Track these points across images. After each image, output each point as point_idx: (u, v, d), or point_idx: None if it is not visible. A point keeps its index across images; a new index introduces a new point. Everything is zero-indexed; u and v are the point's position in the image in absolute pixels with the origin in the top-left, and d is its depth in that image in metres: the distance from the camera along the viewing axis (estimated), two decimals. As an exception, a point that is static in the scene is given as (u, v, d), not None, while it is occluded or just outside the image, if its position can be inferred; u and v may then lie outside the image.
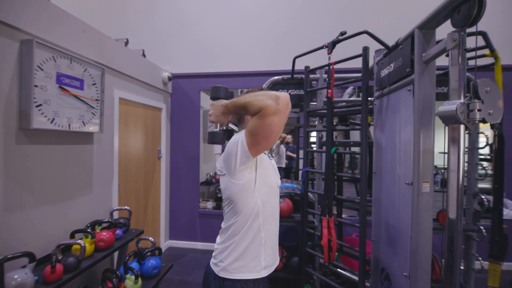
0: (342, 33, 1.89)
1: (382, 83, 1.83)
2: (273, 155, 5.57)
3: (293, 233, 2.82)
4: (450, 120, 1.10)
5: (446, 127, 1.17)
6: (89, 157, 2.04)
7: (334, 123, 2.68)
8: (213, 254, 1.08)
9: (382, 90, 1.84)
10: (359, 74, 2.32)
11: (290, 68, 2.93)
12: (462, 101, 1.07)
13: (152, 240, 2.17)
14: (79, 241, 1.60)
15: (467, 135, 2.24)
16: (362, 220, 1.84)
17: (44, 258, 1.59)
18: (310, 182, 2.68)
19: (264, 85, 2.46)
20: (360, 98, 2.11)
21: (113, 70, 2.28)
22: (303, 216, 2.24)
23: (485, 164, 2.17)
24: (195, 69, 3.31)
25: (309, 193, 2.34)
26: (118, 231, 2.00)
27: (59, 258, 1.52)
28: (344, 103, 2.53)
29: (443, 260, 1.21)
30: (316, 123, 2.53)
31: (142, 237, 2.19)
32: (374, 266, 1.90)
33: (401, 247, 1.54)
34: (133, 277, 1.82)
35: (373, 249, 1.92)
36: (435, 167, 2.11)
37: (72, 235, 1.74)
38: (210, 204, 3.34)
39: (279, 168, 5.19)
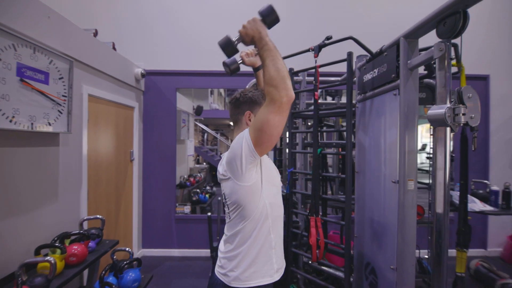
0: (328, 38, 1.95)
1: (364, 87, 1.93)
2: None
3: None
4: (438, 122, 1.20)
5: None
6: (54, 161, 1.80)
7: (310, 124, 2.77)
8: (219, 263, 1.02)
9: (364, 94, 1.94)
10: (338, 78, 2.44)
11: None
12: (449, 105, 1.17)
13: (129, 250, 1.99)
14: (48, 257, 1.39)
15: (430, 137, 2.50)
16: (347, 218, 1.92)
17: (4, 280, 1.35)
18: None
19: (247, 86, 2.42)
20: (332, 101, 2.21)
21: (82, 64, 2.05)
22: (288, 216, 2.26)
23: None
24: (171, 66, 3.14)
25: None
26: (91, 243, 1.80)
27: (24, 279, 1.30)
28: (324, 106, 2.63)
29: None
30: (299, 124, 2.58)
31: (118, 248, 2.00)
32: (358, 261, 1.99)
33: (387, 241, 1.64)
34: (111, 293, 1.64)
35: (357, 245, 2.01)
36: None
37: (37, 251, 1.50)
38: (187, 208, 3.20)
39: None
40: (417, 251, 1.77)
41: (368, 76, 1.88)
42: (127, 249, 2.00)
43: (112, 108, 2.53)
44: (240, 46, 1.04)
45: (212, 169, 6.94)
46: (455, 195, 2.37)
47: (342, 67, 2.29)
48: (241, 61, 1.21)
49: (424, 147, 5.71)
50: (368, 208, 1.88)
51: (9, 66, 1.39)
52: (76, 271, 1.55)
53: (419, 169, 1.58)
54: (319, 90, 3.98)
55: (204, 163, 6.88)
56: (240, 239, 0.95)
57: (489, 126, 3.08)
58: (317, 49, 2.01)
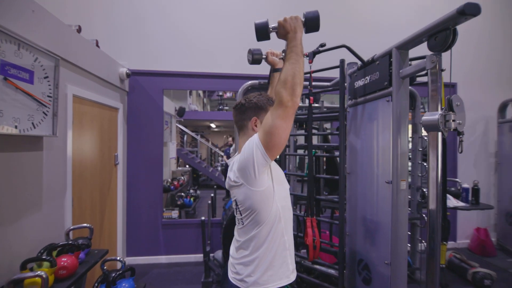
0: (322, 45, 2.02)
1: (356, 93, 2.04)
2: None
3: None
4: (431, 128, 1.31)
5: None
6: (38, 166, 1.66)
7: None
8: (233, 270, 1.02)
9: (356, 99, 2.05)
10: (327, 83, 2.55)
11: (264, 73, 2.98)
12: (441, 112, 1.29)
13: (121, 259, 1.90)
14: (39, 272, 1.29)
15: (410, 139, 2.70)
16: (341, 217, 2.00)
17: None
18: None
19: (240, 89, 2.43)
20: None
21: (67, 62, 1.91)
22: (282, 218, 2.30)
23: (425, 163, 2.65)
24: (158, 67, 3.04)
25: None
26: (81, 254, 1.69)
27: (13, 298, 1.19)
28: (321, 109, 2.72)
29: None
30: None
31: (108, 257, 1.90)
32: (350, 259, 2.09)
33: (380, 238, 1.75)
34: (106, 306, 1.55)
35: (349, 243, 2.11)
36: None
37: (23, 266, 1.38)
38: (175, 213, 3.11)
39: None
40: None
41: (359, 83, 1.99)
42: (118, 258, 1.91)
43: (97, 109, 2.39)
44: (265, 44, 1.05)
45: (194, 171, 6.80)
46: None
47: (330, 73, 2.40)
48: (265, 56, 1.27)
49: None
50: (360, 207, 1.99)
51: (-7, 64, 1.27)
52: (67, 285, 1.45)
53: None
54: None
55: (187, 166, 6.70)
56: (256, 244, 0.96)
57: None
58: (312, 56, 2.08)
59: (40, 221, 1.65)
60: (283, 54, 1.03)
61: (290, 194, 2.42)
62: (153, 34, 3.09)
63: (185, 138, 8.55)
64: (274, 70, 1.38)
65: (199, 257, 3.07)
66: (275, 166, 1.05)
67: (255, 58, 1.23)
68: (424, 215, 2.50)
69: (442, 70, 1.34)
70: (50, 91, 1.68)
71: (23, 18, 1.50)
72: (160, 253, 3.04)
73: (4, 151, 1.41)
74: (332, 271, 2.20)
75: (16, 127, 1.41)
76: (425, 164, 2.65)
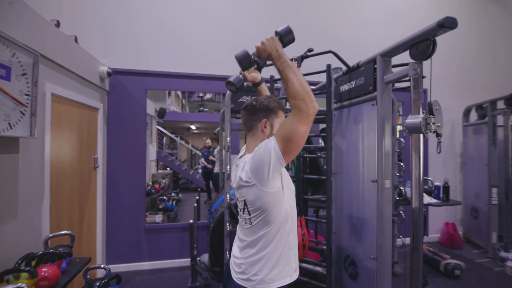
0: (310, 50, 2.09)
1: (341, 96, 2.14)
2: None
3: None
4: (414, 130, 1.42)
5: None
6: (13, 170, 1.54)
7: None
8: (238, 270, 1.02)
9: (341, 103, 2.15)
10: (313, 87, 2.64)
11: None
12: (422, 116, 1.40)
13: (106, 267, 1.81)
14: (20, 284, 1.19)
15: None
16: (328, 216, 2.08)
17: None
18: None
19: (228, 92, 2.43)
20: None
21: (45, 59, 1.80)
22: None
23: (401, 163, 2.83)
24: (141, 66, 2.94)
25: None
26: (63, 263, 1.58)
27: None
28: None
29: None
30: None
31: (92, 266, 1.80)
32: (337, 255, 2.17)
33: (366, 234, 1.84)
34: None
35: (335, 240, 2.19)
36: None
37: (0, 278, 1.27)
38: (159, 217, 3.01)
39: (218, 173, 5.17)
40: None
41: (345, 87, 2.09)
42: (103, 265, 1.82)
43: (76, 109, 2.26)
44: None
45: (175, 174, 6.62)
46: (408, 191, 2.77)
47: (316, 78, 2.50)
48: (242, 77, 1.23)
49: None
50: (346, 205, 2.08)
51: (-33, 58, 1.16)
52: (49, 297, 1.35)
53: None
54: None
55: (168, 168, 6.51)
56: (264, 243, 0.97)
57: (426, 131, 3.68)
58: (300, 60, 2.15)
59: (16, 229, 1.53)
60: (255, 66, 1.06)
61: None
62: (137, 31, 2.99)
63: (164, 140, 8.31)
64: (256, 85, 1.40)
65: (183, 261, 3.00)
66: (283, 170, 1.07)
67: (238, 86, 1.18)
68: (401, 212, 2.67)
69: (423, 77, 1.46)
70: (28, 89, 1.56)
71: (0, 10, 1.39)
72: (143, 259, 2.92)
73: (-23, 154, 1.29)
74: (319, 269, 2.27)
75: (-8, 127, 1.30)
76: (401, 164, 2.84)
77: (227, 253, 2.27)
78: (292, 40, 1.06)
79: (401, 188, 2.75)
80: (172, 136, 8.48)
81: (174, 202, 4.26)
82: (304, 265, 2.36)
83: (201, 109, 9.44)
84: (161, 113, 5.20)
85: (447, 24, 1.26)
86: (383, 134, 1.69)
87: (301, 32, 3.38)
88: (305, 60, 2.19)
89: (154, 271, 2.86)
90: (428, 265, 2.89)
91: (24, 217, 1.60)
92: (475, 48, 4.02)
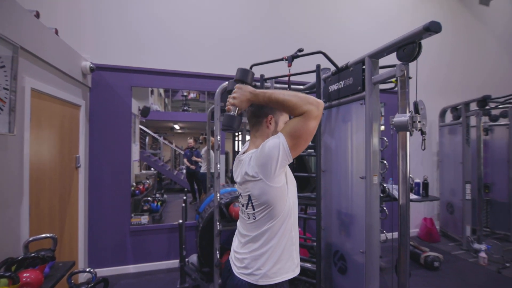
0: (300, 50, 2.13)
1: (330, 96, 2.20)
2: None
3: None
4: (401, 128, 1.49)
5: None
6: (-10, 169, 1.43)
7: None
8: (240, 265, 1.02)
9: (330, 102, 2.20)
10: (301, 86, 2.68)
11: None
12: (409, 115, 1.48)
13: (92, 271, 1.73)
14: (1, 291, 1.12)
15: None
16: (318, 213, 2.13)
17: None
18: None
19: (218, 89, 2.41)
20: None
21: (25, 51, 1.69)
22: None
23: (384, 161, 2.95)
24: (126, 62, 2.84)
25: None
26: (46, 268, 1.50)
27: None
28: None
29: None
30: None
31: (76, 270, 1.72)
32: (326, 251, 2.22)
33: (355, 229, 1.90)
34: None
35: (324, 236, 2.24)
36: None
37: (-24, 286, 1.18)
38: (144, 219, 2.92)
39: (204, 173, 5.11)
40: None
41: (334, 87, 2.15)
42: (87, 269, 1.74)
43: (58, 105, 2.15)
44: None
45: (158, 174, 6.46)
46: (391, 187, 2.89)
47: (304, 78, 2.55)
48: (236, 111, 1.03)
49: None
50: (335, 202, 2.13)
51: None
52: (32, 304, 1.27)
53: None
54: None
55: (152, 169, 6.33)
56: (267, 237, 0.98)
57: (406, 131, 3.87)
58: (290, 59, 2.18)
59: (-8, 233, 1.43)
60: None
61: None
62: (121, 26, 2.88)
63: (146, 140, 8.06)
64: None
65: (171, 263, 2.94)
66: (287, 168, 1.08)
67: (236, 125, 1.03)
68: (385, 208, 2.79)
69: (410, 78, 1.54)
70: (6, 83, 1.47)
71: (-24, -3, 1.30)
72: (128, 262, 2.82)
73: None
74: (308, 265, 2.31)
75: (-34, 123, 1.20)
76: (385, 162, 2.96)
77: (217, 252, 2.25)
78: (252, 75, 1.05)
79: (384, 185, 2.87)
80: (155, 135, 8.26)
81: (159, 203, 4.16)
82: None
83: (185, 108, 9.27)
84: (145, 111, 5.05)
85: (433, 27, 1.34)
86: (371, 133, 1.76)
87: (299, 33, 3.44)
88: (296, 62, 2.23)
89: (140, 274, 2.77)
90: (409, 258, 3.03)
91: (1, 220, 1.49)
92: (450, 53, 4.28)
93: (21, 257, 1.40)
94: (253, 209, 1.00)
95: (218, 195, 2.29)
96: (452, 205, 3.68)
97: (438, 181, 4.00)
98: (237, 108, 1.00)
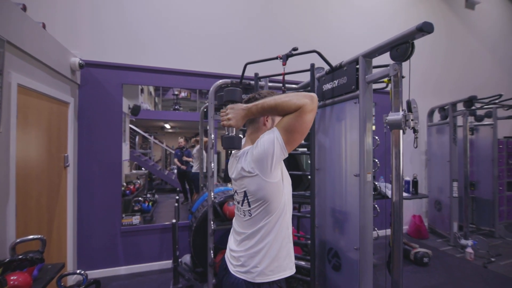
0: (294, 49, 2.14)
1: (324, 95, 2.22)
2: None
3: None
4: (395, 126, 1.52)
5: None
6: (-26, 168, 1.37)
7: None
8: (237, 263, 1.01)
9: (324, 101, 2.22)
10: (295, 85, 2.70)
11: (235, 73, 3.00)
12: (402, 113, 1.51)
13: (82, 273, 1.68)
14: (-12, 294, 1.07)
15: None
16: (312, 211, 2.14)
17: None
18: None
19: (212, 88, 2.40)
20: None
21: (12, 46, 1.63)
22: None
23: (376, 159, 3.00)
24: (117, 59, 2.78)
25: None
26: (34, 271, 1.45)
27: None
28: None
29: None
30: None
31: (66, 272, 1.67)
32: (320, 249, 2.24)
33: (349, 227, 1.92)
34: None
35: (318, 234, 2.26)
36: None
37: (-40, 290, 1.12)
38: (136, 219, 2.86)
39: (196, 173, 5.06)
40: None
41: (327, 86, 2.17)
42: (78, 271, 1.69)
43: (45, 102, 2.07)
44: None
45: (150, 174, 6.35)
46: (382, 185, 2.95)
47: (298, 77, 2.56)
48: (233, 131, 1.02)
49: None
50: (329, 200, 2.15)
51: None
52: (20, 307, 1.23)
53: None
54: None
55: (143, 169, 6.22)
56: (263, 234, 0.98)
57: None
58: (285, 58, 2.18)
59: (-23, 234, 1.36)
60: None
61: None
62: (113, 22, 2.81)
63: (136, 139, 7.91)
64: None
65: (163, 264, 2.89)
66: (283, 164, 1.08)
67: (237, 144, 1.03)
68: (376, 206, 2.84)
69: (403, 77, 1.57)
70: (-8, 78, 1.41)
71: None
72: (119, 264, 2.76)
73: None
74: (302, 263, 2.33)
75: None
76: (376, 160, 3.01)
77: (211, 252, 2.23)
78: (240, 92, 1.05)
79: (375, 183, 2.92)
80: (146, 135, 8.12)
81: (150, 204, 4.09)
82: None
83: (176, 107, 9.15)
84: (135, 110, 4.94)
85: (425, 28, 1.37)
86: (365, 131, 1.78)
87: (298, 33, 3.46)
88: (287, 61, 2.23)
89: (132, 275, 2.71)
90: (399, 254, 3.10)
91: (-14, 221, 1.43)
92: (436, 56, 4.40)
93: (8, 259, 1.34)
94: (249, 206, 1.00)
95: (212, 194, 2.27)
96: (440, 202, 3.79)
97: (427, 179, 4.11)
98: (234, 128, 1.01)
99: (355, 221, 1.85)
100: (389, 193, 2.88)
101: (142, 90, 7.84)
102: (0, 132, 1.45)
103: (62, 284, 1.61)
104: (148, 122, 8.76)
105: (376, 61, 1.80)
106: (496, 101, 3.62)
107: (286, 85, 2.61)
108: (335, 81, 2.06)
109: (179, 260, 2.64)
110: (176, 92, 9.32)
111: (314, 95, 0.92)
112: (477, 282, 2.57)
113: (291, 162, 3.04)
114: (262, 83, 2.62)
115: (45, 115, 2.08)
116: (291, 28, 3.52)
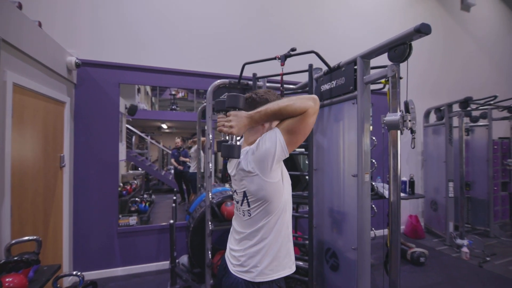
0: (293, 49, 2.14)
1: (322, 96, 2.22)
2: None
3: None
4: (393, 126, 1.53)
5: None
6: (-32, 168, 1.35)
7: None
8: (236, 262, 1.01)
9: (322, 102, 2.22)
10: (293, 86, 2.70)
11: (233, 73, 2.99)
12: (400, 114, 1.52)
13: (79, 274, 1.67)
14: (-18, 297, 1.05)
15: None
16: (310, 211, 2.14)
17: None
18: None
19: (210, 88, 2.39)
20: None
21: (7, 44, 1.61)
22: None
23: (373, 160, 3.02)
24: (114, 58, 2.76)
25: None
26: (30, 272, 1.43)
27: None
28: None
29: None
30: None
31: (62, 273, 1.65)
32: (318, 249, 2.24)
33: (347, 227, 1.93)
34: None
35: (316, 234, 2.26)
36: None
37: (-46, 293, 1.10)
38: (133, 220, 2.84)
39: (194, 173, 5.05)
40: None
41: (326, 87, 2.17)
42: (74, 272, 1.67)
43: (41, 102, 2.05)
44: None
45: (146, 175, 6.31)
46: (380, 186, 2.96)
47: (296, 78, 2.56)
48: (234, 140, 1.01)
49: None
50: (327, 200, 2.16)
51: None
52: (15, 310, 1.21)
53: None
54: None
55: (140, 169, 6.18)
56: (263, 234, 0.97)
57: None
58: (283, 58, 2.19)
59: (-29, 236, 1.34)
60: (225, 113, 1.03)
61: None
62: (110, 21, 2.79)
63: (133, 139, 7.86)
64: None
65: (161, 264, 2.88)
66: (283, 164, 1.08)
67: (237, 153, 0.97)
68: (373, 206, 2.85)
69: (400, 78, 1.58)
70: (-13, 77, 1.39)
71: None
72: (116, 265, 2.74)
73: None
74: (300, 263, 2.33)
75: None
76: (373, 161, 3.03)
77: (209, 252, 2.22)
78: (243, 99, 1.02)
79: (373, 183, 2.94)
80: (142, 135, 8.07)
81: (147, 204, 4.06)
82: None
83: (173, 107, 9.11)
84: (132, 110, 4.91)
85: (423, 29, 1.38)
86: (363, 131, 1.79)
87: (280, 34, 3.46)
88: (288, 61, 2.24)
89: (129, 276, 2.69)
90: (396, 254, 3.12)
91: (-20, 222, 1.41)
92: (434, 57, 4.45)
93: (3, 261, 1.32)
94: (248, 206, 1.00)
95: (209, 194, 2.27)
96: (436, 202, 3.83)
97: (423, 179, 4.14)
98: (234, 136, 0.99)
99: (352, 221, 1.85)
100: (386, 193, 2.90)
101: (139, 90, 7.79)
102: (-5, 132, 1.43)
103: (58, 285, 1.59)
104: (145, 122, 8.71)
105: (374, 62, 1.82)
106: (491, 102, 3.66)
107: (285, 86, 2.61)
108: (333, 82, 2.07)
109: (177, 261, 2.63)
110: (174, 92, 9.30)
111: (316, 97, 0.92)
112: (473, 281, 2.60)
113: (289, 163, 3.05)
114: (260, 83, 2.62)
115: (41, 114, 2.06)
116: (290, 28, 3.53)
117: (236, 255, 1.02)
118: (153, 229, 2.89)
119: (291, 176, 1.14)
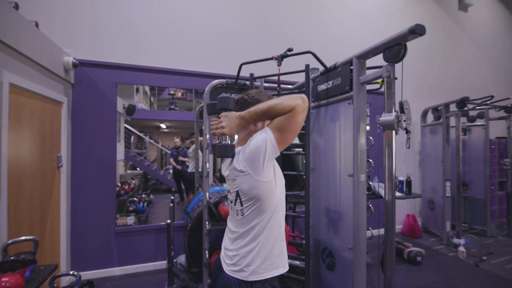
0: (290, 50, 2.15)
1: (319, 96, 2.23)
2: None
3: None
4: (388, 127, 1.54)
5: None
6: (-36, 169, 1.35)
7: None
8: (230, 262, 1.02)
9: (319, 102, 2.23)
10: (290, 86, 2.71)
11: (230, 73, 3.00)
12: (395, 114, 1.53)
13: (76, 274, 1.67)
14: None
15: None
16: (307, 211, 2.15)
17: None
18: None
19: (207, 87, 2.39)
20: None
21: (4, 44, 1.61)
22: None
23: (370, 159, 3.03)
24: (112, 58, 2.76)
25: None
26: (26, 272, 1.43)
27: None
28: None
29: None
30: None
31: (59, 273, 1.65)
32: (314, 248, 2.25)
33: (343, 226, 1.94)
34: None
35: (313, 234, 2.27)
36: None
37: (-50, 293, 1.11)
38: (130, 220, 2.85)
39: (192, 173, 5.05)
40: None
41: (322, 87, 2.18)
42: (71, 272, 1.68)
43: (38, 102, 2.05)
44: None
45: (145, 175, 6.31)
46: (376, 185, 2.98)
47: (293, 78, 2.57)
48: (227, 140, 1.06)
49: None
50: (324, 199, 2.17)
51: None
52: (11, 309, 1.21)
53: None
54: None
55: (138, 169, 6.18)
56: (256, 233, 0.98)
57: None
58: (280, 59, 2.19)
59: (-33, 236, 1.34)
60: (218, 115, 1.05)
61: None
62: (107, 21, 2.79)
63: (131, 139, 7.86)
64: None
65: (158, 264, 2.88)
66: (276, 163, 1.09)
67: (231, 153, 1.03)
68: (370, 206, 2.86)
69: (396, 79, 1.59)
70: (-17, 77, 1.39)
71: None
72: (113, 265, 2.74)
73: None
74: (297, 262, 2.34)
75: None
76: (370, 160, 3.04)
77: (206, 252, 2.23)
78: (234, 101, 1.06)
79: (370, 183, 2.95)
80: (141, 135, 8.07)
81: (145, 204, 4.07)
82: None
83: (172, 107, 9.11)
84: (130, 109, 4.91)
85: (417, 30, 1.39)
86: (359, 131, 1.80)
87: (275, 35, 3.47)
88: (285, 61, 2.24)
89: (126, 276, 2.70)
90: (393, 254, 3.13)
91: (-23, 222, 1.41)
92: (433, 57, 4.46)
93: (-1, 260, 1.33)
94: (241, 205, 1.01)
95: (207, 194, 2.27)
96: (433, 202, 3.84)
97: (420, 179, 4.16)
98: (227, 137, 1.02)
99: (348, 221, 1.86)
100: (382, 192, 2.91)
101: (137, 90, 7.79)
102: (-9, 132, 1.43)
103: (55, 285, 1.59)
104: (144, 121, 8.71)
105: (371, 62, 1.82)
106: (488, 102, 3.68)
107: (282, 86, 2.62)
108: (329, 82, 2.08)
109: (174, 260, 2.64)
110: (172, 92, 9.28)
111: (304, 96, 0.94)
112: (469, 280, 2.62)
113: (287, 162, 3.06)
114: (257, 83, 2.63)
115: (38, 114, 2.06)
116: (287, 29, 3.53)
117: (230, 255, 1.03)
118: (150, 229, 2.90)
119: (289, 176, 1.15)
